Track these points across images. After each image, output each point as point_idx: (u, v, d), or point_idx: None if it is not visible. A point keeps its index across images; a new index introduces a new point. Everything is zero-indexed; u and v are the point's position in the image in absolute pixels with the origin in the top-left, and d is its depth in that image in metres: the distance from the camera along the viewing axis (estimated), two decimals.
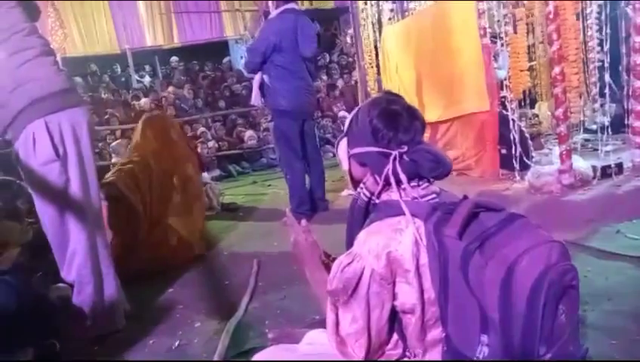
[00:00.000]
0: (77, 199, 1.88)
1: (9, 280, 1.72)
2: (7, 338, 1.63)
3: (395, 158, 1.03)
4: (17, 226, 2.10)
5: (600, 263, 2.23)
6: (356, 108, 1.16)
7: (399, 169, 1.02)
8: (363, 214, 1.10)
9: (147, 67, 9.71)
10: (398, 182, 1.03)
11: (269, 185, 5.54)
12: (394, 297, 0.96)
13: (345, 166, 1.16)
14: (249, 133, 7.21)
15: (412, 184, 1.04)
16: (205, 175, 5.11)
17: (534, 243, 0.88)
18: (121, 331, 2.07)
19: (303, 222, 1.22)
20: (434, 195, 1.04)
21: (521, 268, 0.85)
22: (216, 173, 6.47)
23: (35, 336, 1.73)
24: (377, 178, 1.06)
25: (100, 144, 6.56)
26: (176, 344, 2.00)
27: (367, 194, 1.09)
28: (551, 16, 3.36)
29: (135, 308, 2.26)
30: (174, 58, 9.45)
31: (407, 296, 0.95)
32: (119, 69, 9.28)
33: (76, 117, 1.89)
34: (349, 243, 1.08)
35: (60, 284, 2.00)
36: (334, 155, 6.69)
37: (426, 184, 1.06)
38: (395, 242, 0.95)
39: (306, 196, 3.78)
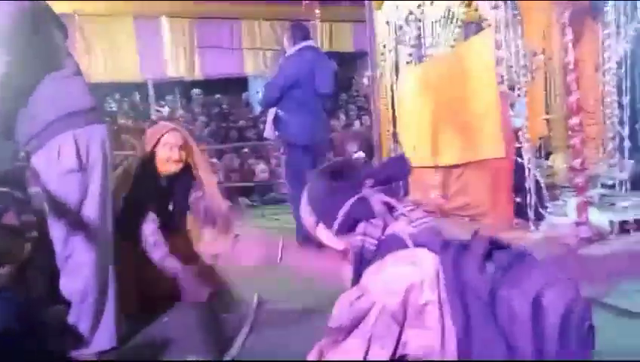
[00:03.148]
0: (92, 215, 1.87)
1: (8, 296, 1.67)
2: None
3: (370, 192, 1.04)
4: (14, 241, 2.05)
5: (618, 322, 2.11)
6: (304, 202, 1.16)
7: (383, 196, 1.03)
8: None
9: (169, 97, 9.89)
10: (391, 210, 1.03)
11: (277, 219, 5.49)
12: (397, 346, 0.88)
13: (342, 245, 1.12)
14: (261, 166, 7.24)
15: (404, 205, 1.05)
16: None
17: (552, 278, 0.85)
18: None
19: (280, 242, 1.26)
20: (426, 216, 1.05)
21: (548, 301, 0.81)
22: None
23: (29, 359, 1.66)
24: (373, 221, 1.04)
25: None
26: None
27: (374, 241, 1.03)
28: (570, 66, 3.35)
29: (128, 333, 2.18)
30: (195, 90, 9.63)
31: (419, 339, 0.87)
32: (138, 98, 9.47)
33: (102, 133, 1.95)
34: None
35: (55, 307, 1.94)
36: None
37: (413, 206, 1.06)
38: (414, 275, 0.89)
39: None
